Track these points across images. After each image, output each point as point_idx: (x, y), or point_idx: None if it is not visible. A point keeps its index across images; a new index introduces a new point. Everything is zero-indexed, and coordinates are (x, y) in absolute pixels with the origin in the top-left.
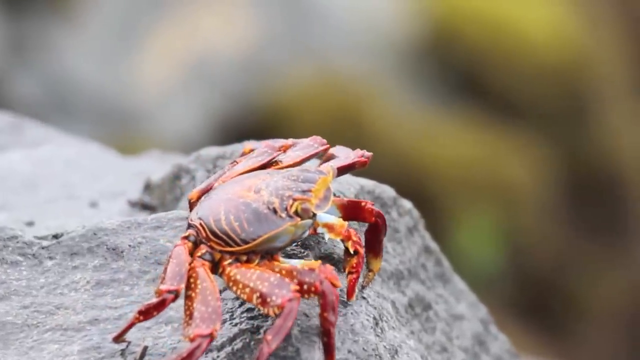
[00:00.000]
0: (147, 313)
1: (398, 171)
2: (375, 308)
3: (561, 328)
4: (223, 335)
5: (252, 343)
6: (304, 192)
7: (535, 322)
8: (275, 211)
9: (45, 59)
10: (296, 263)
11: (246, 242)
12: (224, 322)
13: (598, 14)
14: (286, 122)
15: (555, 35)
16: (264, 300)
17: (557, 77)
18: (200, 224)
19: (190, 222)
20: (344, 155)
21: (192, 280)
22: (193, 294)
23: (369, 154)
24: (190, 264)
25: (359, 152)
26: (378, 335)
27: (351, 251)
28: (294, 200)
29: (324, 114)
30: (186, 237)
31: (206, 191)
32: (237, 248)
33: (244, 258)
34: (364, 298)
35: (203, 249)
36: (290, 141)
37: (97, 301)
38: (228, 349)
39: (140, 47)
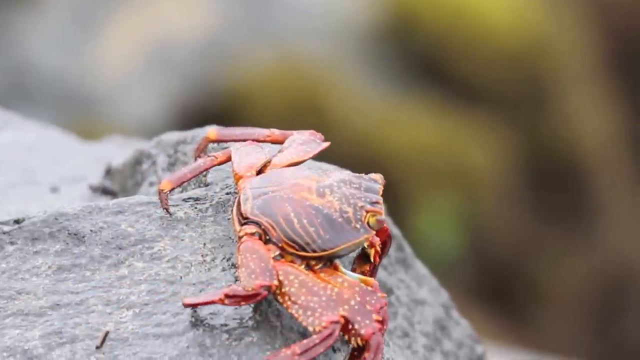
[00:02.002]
0: (234, 299)
1: (359, 156)
2: None
3: (522, 313)
4: (185, 320)
5: (213, 329)
6: (372, 203)
7: (496, 307)
8: (349, 221)
9: (5, 43)
10: (353, 277)
11: (322, 250)
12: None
13: None
14: (246, 106)
15: (516, 20)
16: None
17: (518, 62)
18: (269, 223)
19: (249, 217)
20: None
21: (281, 278)
22: (292, 289)
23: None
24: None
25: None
26: None
27: (371, 259)
28: (367, 212)
29: (285, 98)
30: (252, 234)
31: (179, 183)
32: (312, 254)
33: (313, 263)
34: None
35: (275, 249)
36: (278, 132)
37: (58, 286)
38: (190, 334)
39: (101, 31)
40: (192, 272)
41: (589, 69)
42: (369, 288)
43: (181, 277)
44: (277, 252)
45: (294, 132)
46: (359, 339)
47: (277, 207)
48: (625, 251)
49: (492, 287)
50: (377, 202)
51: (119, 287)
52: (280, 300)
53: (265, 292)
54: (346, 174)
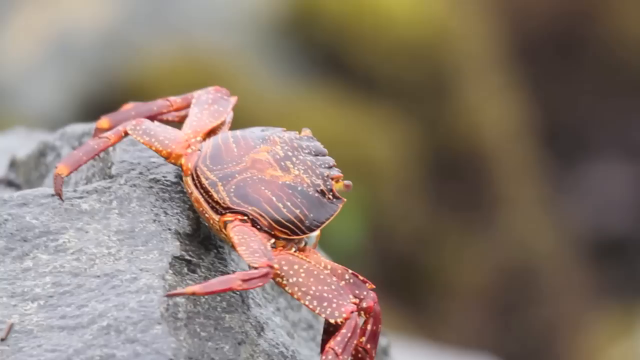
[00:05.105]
0: (249, 282)
1: None
2: None
3: (424, 305)
4: (89, 312)
5: (118, 321)
6: (330, 167)
7: (399, 299)
8: (324, 194)
9: None
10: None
11: (311, 229)
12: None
13: None
14: (149, 97)
15: (418, 12)
16: (329, 304)
17: (420, 53)
18: (257, 212)
19: (232, 207)
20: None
21: (286, 268)
22: (300, 279)
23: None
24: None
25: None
26: (244, 313)
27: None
28: (332, 179)
29: (187, 89)
30: (243, 221)
31: (76, 167)
32: (301, 236)
33: (296, 242)
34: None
35: (269, 238)
36: (179, 100)
37: None
38: (94, 326)
39: (2, 23)
40: (96, 264)
41: (490, 61)
42: (358, 278)
43: (86, 269)
44: (273, 241)
45: (195, 92)
46: (362, 312)
47: (257, 193)
48: (527, 242)
49: (394, 279)
50: (334, 166)
51: (24, 279)
52: (290, 291)
53: (272, 272)
54: (287, 137)
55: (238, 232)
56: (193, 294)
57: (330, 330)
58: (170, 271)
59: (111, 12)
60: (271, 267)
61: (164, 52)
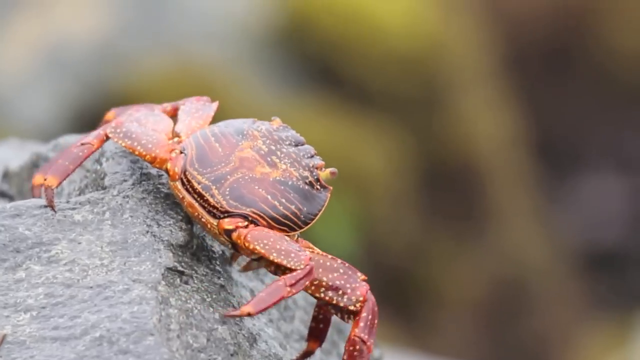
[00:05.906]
0: (296, 285)
1: None
2: (234, 296)
3: (418, 316)
4: (82, 323)
5: (111, 332)
6: (312, 156)
7: (392, 310)
8: (312, 185)
9: None
10: None
11: (306, 224)
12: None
13: (452, 3)
14: None
15: (410, 24)
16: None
17: (412, 65)
18: (255, 214)
19: (230, 210)
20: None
21: None
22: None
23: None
24: None
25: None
26: (237, 324)
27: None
28: (317, 168)
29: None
30: (245, 226)
31: (64, 177)
32: (299, 231)
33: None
34: (222, 286)
35: None
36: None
37: None
38: (87, 337)
39: None
40: (89, 276)
41: (483, 73)
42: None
43: (78, 280)
44: None
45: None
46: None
47: (252, 193)
48: (520, 254)
49: (387, 290)
50: (315, 154)
51: (16, 290)
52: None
53: (314, 266)
54: (265, 130)
55: (256, 240)
56: (248, 315)
57: (320, 318)
58: (163, 282)
59: (105, 24)
60: (312, 260)
61: (157, 63)
